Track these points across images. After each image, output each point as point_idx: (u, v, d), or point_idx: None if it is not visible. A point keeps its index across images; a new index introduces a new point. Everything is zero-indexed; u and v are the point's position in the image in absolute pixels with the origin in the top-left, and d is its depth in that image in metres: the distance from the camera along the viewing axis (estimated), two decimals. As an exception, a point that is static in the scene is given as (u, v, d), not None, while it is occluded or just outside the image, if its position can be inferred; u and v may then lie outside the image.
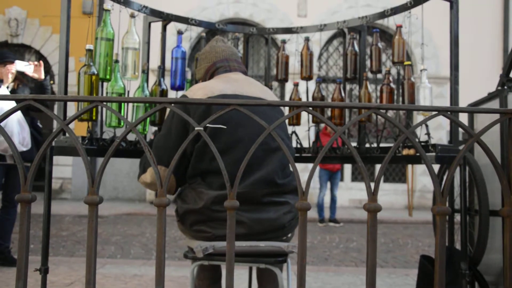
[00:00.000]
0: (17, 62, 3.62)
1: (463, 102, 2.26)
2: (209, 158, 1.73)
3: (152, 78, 2.58)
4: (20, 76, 3.81)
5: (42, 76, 3.66)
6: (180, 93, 2.60)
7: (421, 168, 10.21)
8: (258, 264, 1.75)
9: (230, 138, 1.74)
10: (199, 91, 1.80)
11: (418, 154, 2.11)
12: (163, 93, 2.48)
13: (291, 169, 1.82)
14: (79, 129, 8.93)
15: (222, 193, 1.68)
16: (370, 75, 2.57)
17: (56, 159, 10.30)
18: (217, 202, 1.70)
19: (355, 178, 10.84)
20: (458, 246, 2.49)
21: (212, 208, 1.71)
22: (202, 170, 1.76)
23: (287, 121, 2.55)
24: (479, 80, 8.33)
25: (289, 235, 1.86)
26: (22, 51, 10.95)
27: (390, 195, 10.42)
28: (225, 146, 1.72)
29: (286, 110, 2.85)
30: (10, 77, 3.64)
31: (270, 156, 1.77)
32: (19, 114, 3.61)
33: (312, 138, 2.71)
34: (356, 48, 2.58)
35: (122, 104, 2.20)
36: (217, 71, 1.94)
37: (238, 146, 1.72)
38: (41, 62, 3.70)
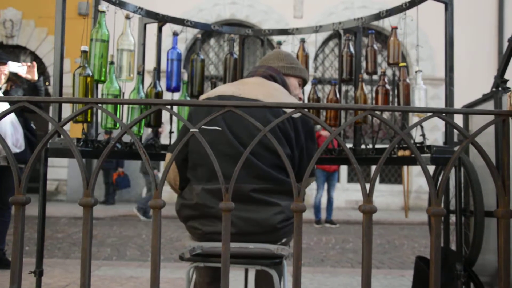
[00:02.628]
0: (10, 63, 3.59)
1: (458, 104, 2.27)
2: (198, 149, 1.78)
3: (148, 80, 2.58)
4: (14, 78, 3.79)
5: (36, 77, 3.63)
6: (176, 95, 2.60)
7: (416, 169, 10.23)
8: (254, 266, 1.75)
9: (223, 134, 1.77)
10: (205, 94, 1.96)
11: (413, 155, 2.11)
12: (158, 95, 2.47)
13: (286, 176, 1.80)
14: (75, 131, 8.90)
15: (210, 188, 1.73)
16: (365, 76, 2.57)
17: (52, 160, 10.19)
18: (205, 196, 1.73)
19: (351, 179, 10.86)
20: (453, 247, 2.50)
21: (201, 203, 1.74)
22: (192, 164, 1.83)
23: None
24: (474, 81, 8.37)
25: (284, 240, 1.85)
26: (17, 52, 10.91)
27: (386, 196, 10.44)
28: (211, 139, 1.75)
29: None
30: (3, 78, 3.62)
31: (254, 158, 1.76)
32: (12, 116, 3.59)
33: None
34: (352, 49, 2.58)
35: (118, 105, 2.19)
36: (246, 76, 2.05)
37: (223, 140, 1.76)
38: (34, 63, 3.68)
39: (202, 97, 1.97)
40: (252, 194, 1.73)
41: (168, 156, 1.96)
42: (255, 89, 1.87)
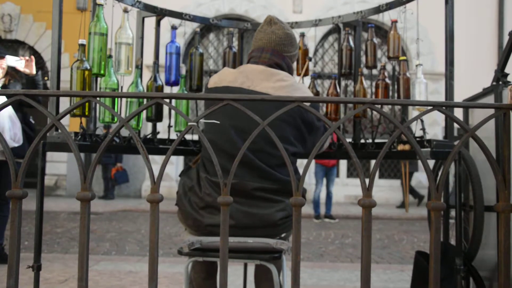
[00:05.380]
0: (8, 57, 3.57)
1: (459, 98, 2.25)
2: (203, 145, 1.83)
3: (146, 74, 2.56)
4: (13, 72, 3.77)
5: (34, 71, 3.61)
6: (175, 89, 2.59)
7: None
8: (253, 261, 1.74)
9: (222, 129, 1.77)
10: (214, 78, 1.91)
11: (413, 149, 2.11)
12: (158, 88, 2.46)
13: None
14: (73, 125, 8.90)
15: (215, 180, 1.73)
16: (365, 70, 2.56)
17: (51, 155, 10.25)
18: (209, 186, 1.74)
19: (350, 174, 10.86)
20: (453, 241, 2.49)
21: (207, 192, 1.74)
22: (202, 156, 1.87)
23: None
24: (474, 76, 8.35)
25: (283, 234, 1.84)
26: (15, 47, 10.88)
27: (386, 191, 10.44)
28: (213, 136, 1.77)
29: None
30: (1, 72, 3.60)
31: (256, 155, 1.75)
32: (10, 110, 3.58)
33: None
34: (351, 43, 2.56)
35: (116, 99, 2.18)
36: (249, 61, 1.97)
37: (227, 138, 1.75)
38: (33, 57, 3.65)
39: (210, 84, 1.91)
40: (256, 193, 1.72)
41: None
42: (264, 80, 1.83)
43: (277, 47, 1.93)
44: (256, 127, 1.12)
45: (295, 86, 1.86)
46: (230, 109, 1.75)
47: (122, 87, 2.26)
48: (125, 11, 2.26)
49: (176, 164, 10.51)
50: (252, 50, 1.97)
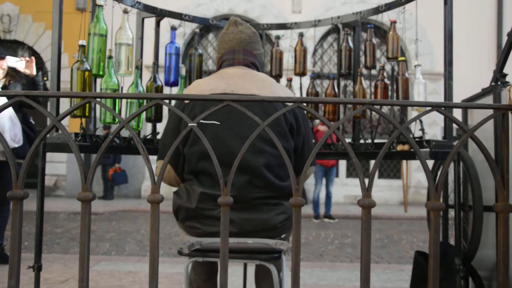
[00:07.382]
0: (8, 57, 3.57)
1: (458, 98, 2.26)
2: (195, 160, 1.74)
3: (146, 74, 2.57)
4: (13, 73, 3.77)
5: (34, 72, 3.62)
6: (174, 89, 2.59)
7: (415, 164, 10.24)
8: (252, 261, 1.75)
9: (213, 138, 1.71)
10: (192, 91, 1.84)
11: (412, 149, 2.11)
12: (158, 89, 2.46)
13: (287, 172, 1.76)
14: (73, 126, 8.90)
15: (212, 192, 1.69)
16: (364, 71, 2.56)
17: (51, 156, 10.24)
18: (206, 199, 1.70)
19: (350, 174, 10.86)
20: (452, 241, 2.50)
21: (201, 207, 1.71)
22: (192, 170, 1.78)
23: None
24: (473, 76, 8.36)
25: (283, 235, 1.84)
26: (15, 47, 10.88)
27: (385, 191, 10.45)
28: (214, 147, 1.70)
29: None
30: (1, 73, 3.61)
31: (258, 157, 1.73)
32: (10, 111, 3.58)
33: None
34: (351, 43, 2.57)
35: (116, 100, 2.18)
36: (222, 65, 1.94)
37: (221, 146, 1.70)
38: (33, 58, 3.66)
39: (190, 94, 1.83)
40: (255, 201, 1.72)
41: (160, 163, 1.82)
42: (246, 82, 1.81)
43: (248, 46, 1.93)
44: (251, 128, 1.12)
45: (274, 83, 1.88)
46: (222, 115, 1.73)
47: (122, 87, 2.27)
48: (125, 11, 2.27)
49: (176, 164, 10.50)
50: (222, 53, 1.94)
